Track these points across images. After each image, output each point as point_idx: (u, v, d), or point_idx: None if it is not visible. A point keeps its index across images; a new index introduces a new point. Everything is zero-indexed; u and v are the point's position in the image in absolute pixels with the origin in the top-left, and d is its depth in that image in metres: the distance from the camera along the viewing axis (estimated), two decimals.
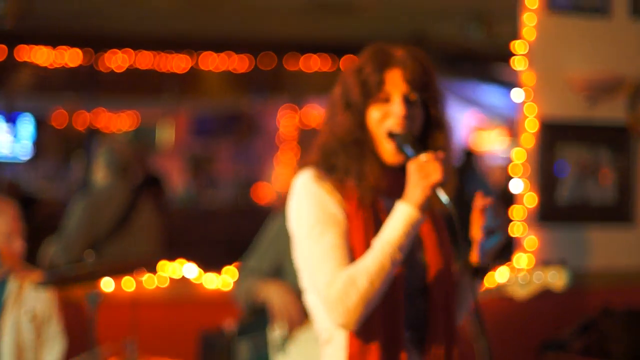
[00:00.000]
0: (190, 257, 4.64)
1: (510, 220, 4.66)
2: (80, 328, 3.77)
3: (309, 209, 2.06)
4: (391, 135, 2.06)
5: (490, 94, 10.00)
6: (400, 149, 2.05)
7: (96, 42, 8.25)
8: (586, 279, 4.75)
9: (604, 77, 4.76)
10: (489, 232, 2.07)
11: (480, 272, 2.11)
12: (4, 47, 7.82)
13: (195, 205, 10.36)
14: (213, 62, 8.74)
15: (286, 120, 11.15)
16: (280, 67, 8.88)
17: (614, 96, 4.82)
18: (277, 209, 3.61)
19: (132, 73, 8.72)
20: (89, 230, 4.69)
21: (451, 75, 8.58)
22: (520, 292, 3.35)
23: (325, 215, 2.05)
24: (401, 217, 1.99)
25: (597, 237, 4.83)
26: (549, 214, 4.75)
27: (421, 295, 2.10)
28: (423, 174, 1.98)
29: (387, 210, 2.06)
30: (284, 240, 3.35)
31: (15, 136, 10.70)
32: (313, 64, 8.84)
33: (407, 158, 2.04)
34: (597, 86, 4.75)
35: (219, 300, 4.41)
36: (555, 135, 4.76)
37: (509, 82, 7.30)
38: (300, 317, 3.29)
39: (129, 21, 7.77)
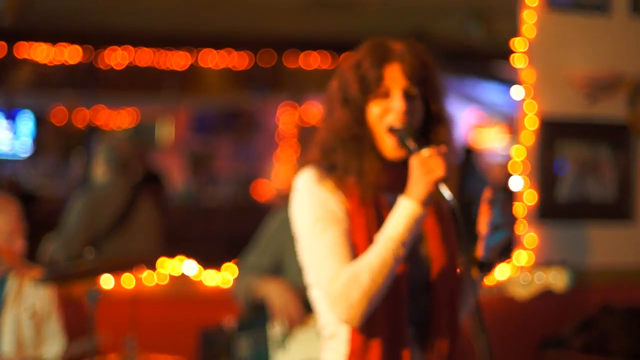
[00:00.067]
0: (190, 254, 4.65)
1: (517, 218, 4.66)
2: (80, 325, 3.77)
3: (310, 208, 2.05)
4: (392, 130, 2.05)
5: (490, 91, 10.01)
6: (402, 143, 2.04)
7: (96, 39, 8.24)
8: (586, 276, 4.74)
9: (604, 74, 4.76)
10: (494, 228, 2.05)
11: (484, 267, 2.10)
12: (3, 44, 7.82)
13: (195, 202, 10.38)
14: (213, 59, 8.74)
15: (286, 118, 11.16)
16: (280, 64, 8.88)
17: (614, 94, 4.82)
18: (276, 205, 3.61)
19: (132, 70, 8.72)
20: (89, 226, 4.69)
21: (451, 73, 8.56)
22: (521, 292, 3.34)
23: (326, 213, 2.04)
24: (404, 212, 1.98)
25: (596, 234, 4.83)
26: (548, 211, 4.75)
27: (425, 291, 2.09)
28: (426, 169, 1.96)
29: (389, 206, 2.05)
30: (283, 236, 3.35)
31: (14, 133, 10.71)
32: (313, 61, 8.83)
33: (410, 152, 2.02)
34: (597, 84, 4.75)
35: (219, 297, 4.41)
36: (555, 132, 4.76)
37: (508, 80, 7.29)
38: (300, 316, 3.29)
39: (129, 18, 7.76)
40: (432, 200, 2.01)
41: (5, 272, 3.57)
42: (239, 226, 5.74)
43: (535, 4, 4.74)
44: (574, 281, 3.36)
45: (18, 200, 3.68)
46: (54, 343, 3.61)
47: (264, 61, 8.80)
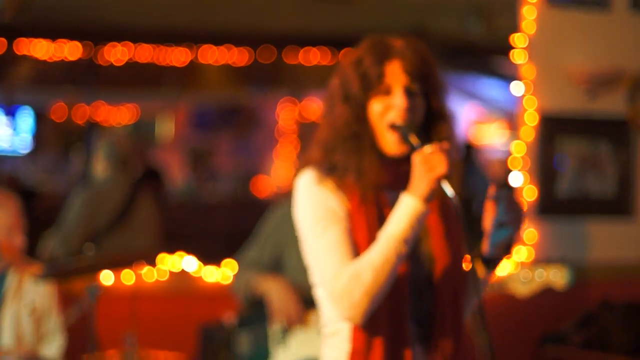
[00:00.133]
0: (189, 250, 4.65)
1: (525, 213, 4.66)
2: (80, 321, 3.77)
3: (311, 209, 2.05)
4: (394, 127, 2.04)
5: (490, 87, 9.99)
6: (404, 139, 2.03)
7: (95, 35, 8.23)
8: (586, 272, 4.75)
9: (604, 70, 4.76)
10: (499, 225, 2.03)
11: (489, 264, 2.10)
12: (3, 40, 7.81)
13: (194, 199, 10.37)
14: (212, 55, 8.73)
15: (286, 114, 11.15)
16: (279, 60, 8.86)
17: (614, 89, 4.82)
18: (276, 201, 3.61)
19: (132, 66, 8.71)
20: (88, 222, 4.69)
21: (451, 69, 8.56)
22: (522, 290, 3.35)
23: (327, 213, 2.04)
24: (406, 209, 1.97)
25: (596, 230, 4.83)
26: (548, 207, 4.75)
27: (428, 289, 2.08)
28: (428, 166, 1.95)
29: (391, 204, 2.04)
30: (283, 231, 3.36)
31: (14, 129, 10.70)
32: (312, 57, 8.82)
33: (412, 149, 2.01)
34: (597, 79, 4.74)
35: (219, 293, 4.41)
36: (555, 128, 4.76)
37: (508, 76, 7.27)
38: (299, 314, 3.29)
39: (129, 14, 7.75)
40: (435, 197, 2.00)
41: (5, 268, 3.57)
42: (239, 222, 5.74)
43: (535, 0, 4.74)
44: (574, 279, 3.36)
45: (18, 197, 3.68)
46: (54, 339, 3.61)
47: (263, 57, 8.79)
